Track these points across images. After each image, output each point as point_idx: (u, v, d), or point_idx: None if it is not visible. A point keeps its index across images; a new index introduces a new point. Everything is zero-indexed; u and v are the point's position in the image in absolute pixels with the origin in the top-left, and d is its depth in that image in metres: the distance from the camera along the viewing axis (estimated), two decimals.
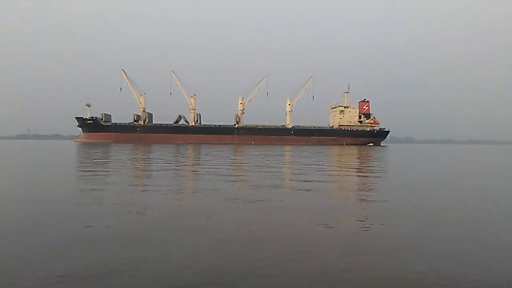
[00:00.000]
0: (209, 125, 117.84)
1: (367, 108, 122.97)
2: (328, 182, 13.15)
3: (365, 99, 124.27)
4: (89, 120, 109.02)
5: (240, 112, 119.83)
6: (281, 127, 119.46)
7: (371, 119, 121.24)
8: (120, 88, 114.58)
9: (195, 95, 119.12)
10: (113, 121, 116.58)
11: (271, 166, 20.23)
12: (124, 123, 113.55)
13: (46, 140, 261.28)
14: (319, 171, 17.73)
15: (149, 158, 27.64)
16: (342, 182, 13.64)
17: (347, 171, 18.65)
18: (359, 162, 26.74)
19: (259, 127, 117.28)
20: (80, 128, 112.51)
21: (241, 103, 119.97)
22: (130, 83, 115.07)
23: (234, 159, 27.55)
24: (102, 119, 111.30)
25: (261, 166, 19.90)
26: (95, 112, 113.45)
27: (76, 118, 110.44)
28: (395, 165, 24.71)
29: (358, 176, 16.40)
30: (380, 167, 20.93)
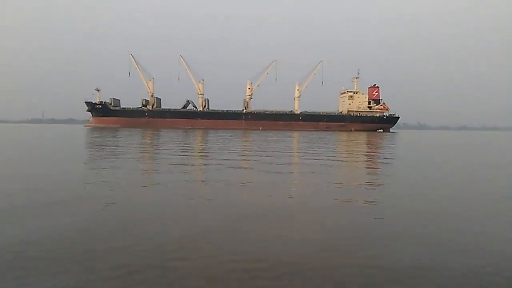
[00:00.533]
0: (217, 110, 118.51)
1: (376, 93, 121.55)
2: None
3: (375, 85, 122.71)
4: (98, 104, 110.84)
5: (248, 97, 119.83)
6: (289, 113, 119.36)
7: (381, 105, 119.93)
8: (129, 73, 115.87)
9: (203, 80, 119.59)
10: (122, 106, 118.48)
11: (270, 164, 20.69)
12: (132, 108, 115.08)
13: (61, 124, 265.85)
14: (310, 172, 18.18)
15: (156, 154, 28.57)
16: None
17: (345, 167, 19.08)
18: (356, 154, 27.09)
19: (267, 113, 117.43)
20: (89, 112, 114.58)
21: (249, 88, 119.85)
22: (139, 68, 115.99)
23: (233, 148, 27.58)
24: (111, 104, 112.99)
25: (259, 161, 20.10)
26: (105, 97, 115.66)
27: (85, 102, 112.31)
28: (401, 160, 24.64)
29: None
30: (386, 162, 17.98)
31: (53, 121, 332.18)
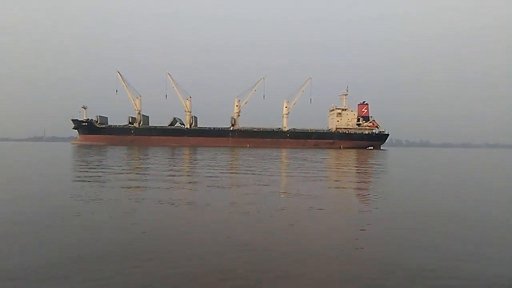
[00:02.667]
0: (204, 127, 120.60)
1: (366, 110, 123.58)
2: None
3: (364, 102, 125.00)
4: (84, 122, 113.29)
5: (236, 114, 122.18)
6: (277, 130, 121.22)
7: (370, 122, 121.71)
8: (116, 91, 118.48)
9: (190, 97, 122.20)
10: (110, 123, 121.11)
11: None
12: (118, 126, 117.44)
13: (61, 142, 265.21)
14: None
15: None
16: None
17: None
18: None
19: (254, 130, 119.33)
20: (76, 130, 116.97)
21: (237, 106, 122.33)
22: (126, 86, 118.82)
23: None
24: (97, 122, 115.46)
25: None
26: (94, 114, 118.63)
27: (72, 120, 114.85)
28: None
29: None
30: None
31: (54, 139, 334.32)
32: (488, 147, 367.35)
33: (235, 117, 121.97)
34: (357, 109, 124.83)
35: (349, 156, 49.36)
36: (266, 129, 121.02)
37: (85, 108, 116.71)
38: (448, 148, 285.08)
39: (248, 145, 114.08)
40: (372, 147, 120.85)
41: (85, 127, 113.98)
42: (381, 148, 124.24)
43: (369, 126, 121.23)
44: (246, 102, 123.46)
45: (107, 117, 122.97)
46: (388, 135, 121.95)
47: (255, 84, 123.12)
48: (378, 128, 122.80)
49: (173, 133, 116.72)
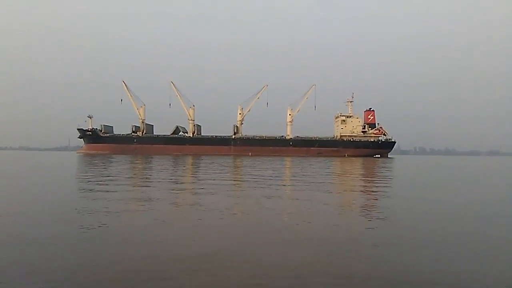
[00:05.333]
0: (206, 136, 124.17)
1: (372, 117, 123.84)
2: None
3: (370, 108, 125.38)
4: (88, 131, 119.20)
5: (239, 122, 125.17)
6: (279, 138, 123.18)
7: (376, 129, 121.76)
8: (121, 100, 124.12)
9: (194, 106, 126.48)
10: (116, 132, 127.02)
11: None
12: (122, 134, 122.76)
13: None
14: None
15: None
16: None
17: None
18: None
19: (256, 138, 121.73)
20: (82, 139, 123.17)
21: (240, 113, 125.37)
22: (131, 95, 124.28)
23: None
24: (101, 131, 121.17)
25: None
26: (102, 122, 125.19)
27: (77, 129, 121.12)
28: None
29: None
30: None
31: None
32: None
33: (238, 125, 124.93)
34: (363, 116, 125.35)
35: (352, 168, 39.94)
36: (269, 137, 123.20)
37: (90, 117, 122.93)
38: (475, 156, 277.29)
39: (250, 154, 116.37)
40: (379, 155, 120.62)
41: (90, 136, 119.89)
42: (388, 156, 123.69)
43: (374, 134, 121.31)
44: (249, 110, 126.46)
45: (112, 126, 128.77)
46: (394, 142, 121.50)
47: (259, 92, 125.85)
48: (385, 135, 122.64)
49: (175, 141, 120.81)
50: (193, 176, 25.50)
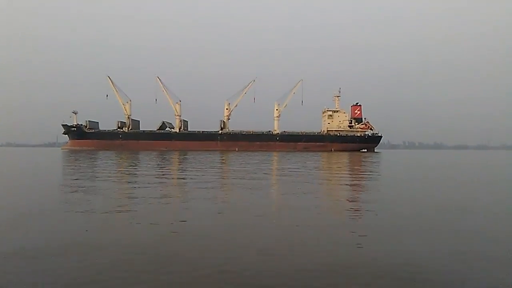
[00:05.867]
0: (192, 131, 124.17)
1: (359, 112, 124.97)
2: None
3: (357, 103, 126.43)
4: (73, 127, 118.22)
5: (226, 117, 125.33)
6: (266, 133, 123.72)
7: (363, 124, 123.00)
8: (107, 95, 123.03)
9: (180, 101, 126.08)
10: (102, 128, 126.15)
11: None
12: (107, 130, 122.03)
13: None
14: None
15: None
16: None
17: None
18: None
19: (243, 133, 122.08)
20: (66, 135, 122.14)
21: (227, 109, 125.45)
22: (116, 90, 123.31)
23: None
24: (86, 126, 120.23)
25: None
26: (85, 119, 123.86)
27: (62, 125, 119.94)
28: None
29: None
30: None
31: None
32: (506, 149, 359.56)
33: (225, 120, 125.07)
34: (350, 111, 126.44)
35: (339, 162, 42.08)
36: (256, 132, 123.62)
37: (75, 113, 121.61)
38: (463, 150, 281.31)
39: (236, 149, 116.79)
40: (366, 150, 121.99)
41: (75, 132, 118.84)
42: (375, 150, 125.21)
43: (361, 128, 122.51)
44: (236, 105, 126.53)
45: (97, 122, 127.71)
46: (381, 137, 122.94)
47: (246, 87, 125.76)
48: (372, 130, 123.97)
49: (161, 137, 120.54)
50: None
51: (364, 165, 35.12)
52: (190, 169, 26.63)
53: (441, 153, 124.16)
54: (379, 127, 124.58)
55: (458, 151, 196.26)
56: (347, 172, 25.66)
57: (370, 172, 26.08)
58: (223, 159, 44.93)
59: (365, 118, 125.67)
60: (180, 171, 25.25)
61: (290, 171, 24.94)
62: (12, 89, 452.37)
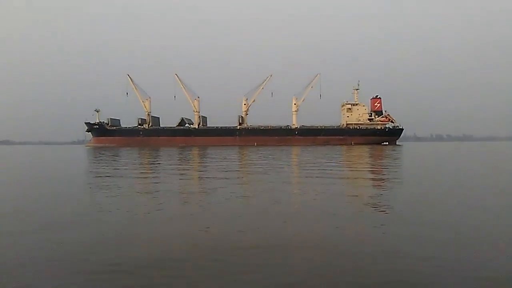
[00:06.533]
0: (211, 127, 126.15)
1: (379, 105, 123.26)
2: None
3: (377, 96, 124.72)
4: (95, 125, 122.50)
5: (244, 113, 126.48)
6: (285, 127, 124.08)
7: (383, 117, 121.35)
8: (127, 93, 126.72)
9: (198, 97, 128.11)
10: (123, 125, 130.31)
11: None
12: (128, 127, 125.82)
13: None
14: None
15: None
16: None
17: None
18: None
19: (261, 128, 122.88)
20: (89, 133, 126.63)
21: (244, 104, 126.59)
22: (136, 88, 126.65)
23: None
24: (108, 124, 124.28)
25: None
26: (107, 116, 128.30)
27: (85, 123, 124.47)
28: None
29: None
30: None
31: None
32: None
33: (243, 116, 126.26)
34: (369, 104, 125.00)
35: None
36: (274, 126, 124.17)
37: (98, 111, 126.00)
38: (493, 142, 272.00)
39: (255, 144, 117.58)
40: (387, 143, 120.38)
41: (97, 130, 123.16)
42: (397, 143, 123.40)
43: (381, 121, 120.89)
44: (254, 100, 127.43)
45: (119, 120, 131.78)
46: (402, 129, 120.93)
47: (263, 82, 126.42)
48: (393, 122, 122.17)
49: (181, 133, 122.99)
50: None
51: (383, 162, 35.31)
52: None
53: (466, 145, 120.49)
54: (404, 120, 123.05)
55: (488, 143, 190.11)
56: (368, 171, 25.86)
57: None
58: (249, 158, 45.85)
59: (385, 111, 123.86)
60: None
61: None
62: (43, 91, 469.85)
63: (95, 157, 41.00)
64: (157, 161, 30.55)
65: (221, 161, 29.62)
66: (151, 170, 22.45)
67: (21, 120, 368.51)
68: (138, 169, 23.41)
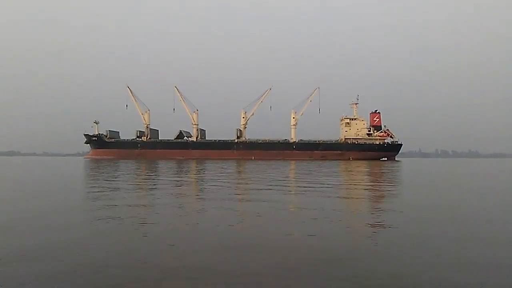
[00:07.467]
0: (209, 140, 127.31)
1: (378, 120, 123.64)
2: None
3: (376, 110, 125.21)
4: (94, 137, 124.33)
5: (242, 126, 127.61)
6: (282, 141, 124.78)
7: (382, 132, 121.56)
8: (126, 105, 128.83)
9: (197, 110, 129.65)
10: (122, 137, 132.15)
11: None
12: (126, 140, 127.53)
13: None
14: None
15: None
16: None
17: None
18: None
19: (259, 142, 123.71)
20: (88, 144, 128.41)
21: (243, 117, 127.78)
22: (135, 100, 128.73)
23: None
24: (107, 136, 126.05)
25: None
26: (107, 128, 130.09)
27: (84, 135, 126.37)
28: None
29: None
30: None
31: None
32: None
33: (241, 129, 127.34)
34: (369, 119, 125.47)
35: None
36: (272, 140, 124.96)
37: (97, 123, 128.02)
38: (500, 159, 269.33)
39: (253, 157, 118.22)
40: (386, 158, 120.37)
41: (96, 142, 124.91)
42: (396, 159, 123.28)
43: (380, 136, 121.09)
44: (253, 114, 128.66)
45: (118, 132, 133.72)
46: (401, 145, 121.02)
47: (262, 95, 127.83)
48: (392, 138, 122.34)
49: (178, 146, 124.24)
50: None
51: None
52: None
53: (471, 162, 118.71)
54: (408, 135, 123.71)
55: (494, 160, 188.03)
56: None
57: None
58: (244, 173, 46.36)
59: (384, 126, 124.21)
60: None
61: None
62: (49, 103, 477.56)
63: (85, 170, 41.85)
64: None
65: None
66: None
67: (29, 132, 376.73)
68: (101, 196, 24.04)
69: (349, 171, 42.29)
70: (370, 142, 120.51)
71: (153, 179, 26.28)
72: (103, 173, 34.23)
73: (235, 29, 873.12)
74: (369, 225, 9.68)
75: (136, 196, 16.34)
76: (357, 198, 16.30)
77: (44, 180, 26.47)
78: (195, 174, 33.18)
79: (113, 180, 24.85)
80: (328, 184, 22.78)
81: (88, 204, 13.14)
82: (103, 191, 17.54)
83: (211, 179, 26.51)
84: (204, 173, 34.44)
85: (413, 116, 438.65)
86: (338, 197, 16.39)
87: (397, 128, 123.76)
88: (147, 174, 33.25)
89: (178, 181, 25.13)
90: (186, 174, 32.85)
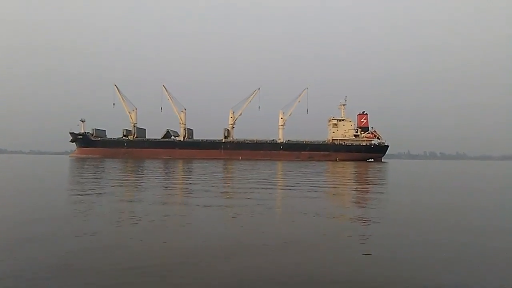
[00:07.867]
0: (196, 140, 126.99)
1: (365, 121, 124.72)
2: None
3: (363, 112, 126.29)
4: (79, 135, 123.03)
5: (230, 126, 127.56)
6: (270, 142, 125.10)
7: (369, 133, 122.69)
8: (113, 104, 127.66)
9: (185, 109, 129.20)
10: (109, 136, 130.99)
11: None
12: (112, 138, 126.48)
13: None
14: None
15: None
16: None
17: None
18: None
19: (247, 142, 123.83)
20: (74, 143, 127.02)
21: (231, 117, 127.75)
22: (122, 99, 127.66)
23: None
24: (93, 135, 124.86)
25: None
26: (94, 127, 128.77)
27: (70, 133, 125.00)
28: None
29: None
30: None
31: None
32: None
33: (229, 129, 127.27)
34: (356, 120, 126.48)
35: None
36: (260, 140, 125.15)
37: (83, 121, 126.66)
38: (487, 161, 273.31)
39: (240, 157, 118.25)
40: (372, 159, 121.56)
41: (81, 140, 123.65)
42: (382, 160, 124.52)
43: (367, 137, 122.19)
44: (241, 114, 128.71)
45: (105, 130, 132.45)
46: (387, 146, 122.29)
47: (250, 95, 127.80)
48: (379, 139, 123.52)
49: (165, 145, 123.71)
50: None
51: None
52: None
53: (454, 163, 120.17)
54: (397, 137, 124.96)
55: (480, 162, 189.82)
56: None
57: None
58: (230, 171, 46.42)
59: (372, 127, 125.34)
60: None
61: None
62: (34, 101, 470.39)
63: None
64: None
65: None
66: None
67: (16, 130, 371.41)
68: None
69: (332, 173, 42.66)
70: (357, 143, 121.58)
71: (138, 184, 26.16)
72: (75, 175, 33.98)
73: (232, 29, 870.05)
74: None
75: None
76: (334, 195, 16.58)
77: None
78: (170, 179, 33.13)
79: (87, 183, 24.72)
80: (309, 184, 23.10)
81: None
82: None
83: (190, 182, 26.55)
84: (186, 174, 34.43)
85: (405, 118, 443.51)
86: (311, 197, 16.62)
87: (387, 130, 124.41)
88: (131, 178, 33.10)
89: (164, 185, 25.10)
90: (169, 179, 32.77)
